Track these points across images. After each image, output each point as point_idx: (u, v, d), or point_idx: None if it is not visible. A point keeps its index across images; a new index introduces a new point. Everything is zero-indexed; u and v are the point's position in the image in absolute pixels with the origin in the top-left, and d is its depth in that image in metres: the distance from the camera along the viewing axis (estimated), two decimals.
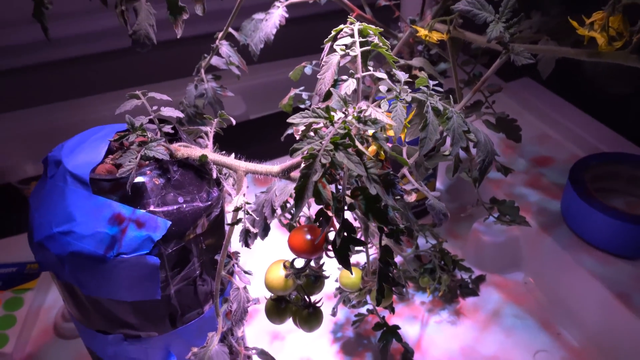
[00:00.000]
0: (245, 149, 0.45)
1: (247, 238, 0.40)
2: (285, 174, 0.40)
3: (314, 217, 0.47)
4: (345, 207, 0.29)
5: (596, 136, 0.80)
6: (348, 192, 0.30)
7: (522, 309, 0.65)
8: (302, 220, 0.51)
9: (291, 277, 0.44)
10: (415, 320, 0.64)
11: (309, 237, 0.41)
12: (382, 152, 0.31)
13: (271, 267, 0.45)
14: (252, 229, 0.39)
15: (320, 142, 0.27)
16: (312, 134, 0.28)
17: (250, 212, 0.39)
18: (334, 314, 0.60)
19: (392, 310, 0.55)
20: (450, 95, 0.42)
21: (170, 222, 0.38)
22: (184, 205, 0.39)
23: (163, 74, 0.92)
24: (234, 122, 0.42)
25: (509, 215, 0.50)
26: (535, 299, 0.66)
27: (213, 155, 0.40)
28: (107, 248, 0.36)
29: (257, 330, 0.64)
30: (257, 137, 0.94)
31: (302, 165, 0.27)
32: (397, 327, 0.57)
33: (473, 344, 0.61)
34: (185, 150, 0.39)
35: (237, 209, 0.39)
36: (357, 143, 0.28)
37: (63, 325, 0.63)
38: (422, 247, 0.64)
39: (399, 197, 0.30)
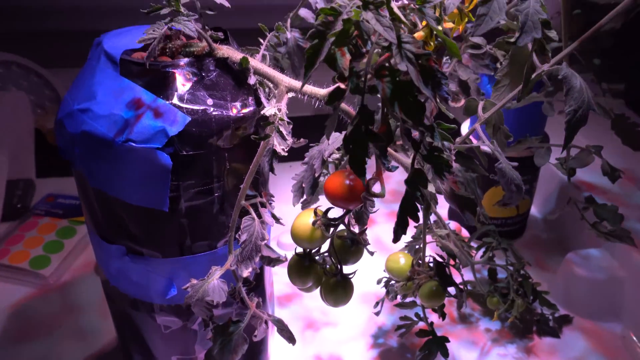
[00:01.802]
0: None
1: (272, 160, 0.34)
2: None
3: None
4: (366, 89, 0.22)
5: None
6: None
7: None
8: None
9: (319, 226, 0.37)
10: (475, 347, 0.54)
11: (347, 181, 0.35)
12: (431, 42, 0.24)
13: (301, 214, 0.39)
14: (279, 148, 0.34)
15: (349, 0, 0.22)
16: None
17: (282, 130, 0.34)
18: (377, 312, 0.52)
19: (443, 316, 0.46)
20: None
21: (191, 119, 0.33)
22: (212, 109, 0.34)
23: None
24: None
25: (608, 220, 0.39)
26: (633, 357, 0.52)
27: (255, 62, 0.35)
28: (118, 132, 0.33)
29: (291, 315, 0.57)
30: None
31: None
32: (445, 339, 0.47)
33: None
34: (227, 50, 0.35)
35: (266, 123, 0.34)
36: (394, 5, 0.21)
37: None
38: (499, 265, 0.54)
39: (442, 99, 0.23)
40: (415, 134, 0.27)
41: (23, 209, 0.68)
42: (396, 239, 0.27)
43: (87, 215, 0.39)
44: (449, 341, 0.48)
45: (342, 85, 0.23)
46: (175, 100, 0.34)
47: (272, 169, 0.34)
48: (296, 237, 0.38)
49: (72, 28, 0.89)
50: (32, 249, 0.62)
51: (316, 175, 0.41)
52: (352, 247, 0.40)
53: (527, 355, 0.53)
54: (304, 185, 0.43)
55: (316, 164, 0.41)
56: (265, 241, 0.36)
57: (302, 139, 0.37)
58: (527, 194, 0.64)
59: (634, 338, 0.54)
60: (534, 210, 0.70)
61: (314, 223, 0.37)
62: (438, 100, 0.24)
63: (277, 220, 0.38)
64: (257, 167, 0.36)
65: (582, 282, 0.56)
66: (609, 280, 0.56)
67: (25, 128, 0.73)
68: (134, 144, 0.33)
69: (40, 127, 0.77)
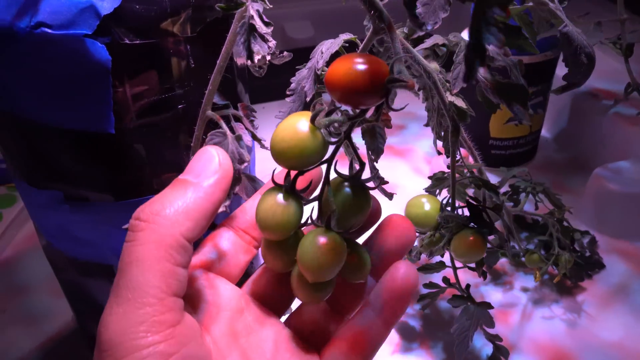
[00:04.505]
0: None
1: (249, 42, 0.24)
2: None
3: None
4: None
5: None
6: None
7: None
8: None
9: (322, 126, 0.23)
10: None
11: (362, 65, 0.22)
12: None
13: (287, 119, 0.23)
14: (261, 26, 0.24)
15: None
16: None
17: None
18: None
19: (484, 274, 0.36)
20: None
21: None
22: None
23: None
24: None
25: None
26: None
27: None
28: (19, 14, 0.22)
29: None
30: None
31: None
32: (488, 306, 0.37)
33: (586, 323, 0.42)
34: None
35: None
36: None
37: None
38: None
39: None
40: None
41: None
42: (469, 77, 0.16)
43: (4, 153, 0.29)
44: (492, 307, 0.37)
45: None
46: None
47: (250, 57, 0.24)
48: (279, 148, 0.23)
49: None
50: None
51: (307, 100, 0.31)
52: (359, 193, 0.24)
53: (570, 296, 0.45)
54: None
55: (307, 85, 0.31)
56: (246, 164, 0.26)
57: (285, 52, 0.27)
58: (541, 108, 0.56)
59: None
60: (545, 132, 0.62)
61: (312, 119, 0.23)
62: None
63: (258, 141, 0.29)
64: (228, 60, 0.26)
65: (615, 199, 0.49)
66: None
67: None
68: (48, 30, 0.22)
69: None
